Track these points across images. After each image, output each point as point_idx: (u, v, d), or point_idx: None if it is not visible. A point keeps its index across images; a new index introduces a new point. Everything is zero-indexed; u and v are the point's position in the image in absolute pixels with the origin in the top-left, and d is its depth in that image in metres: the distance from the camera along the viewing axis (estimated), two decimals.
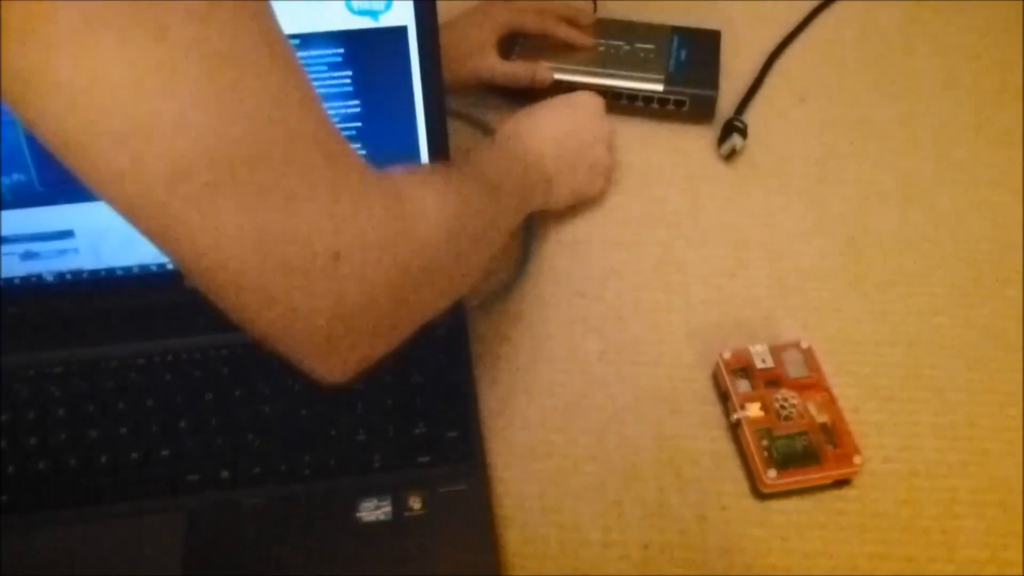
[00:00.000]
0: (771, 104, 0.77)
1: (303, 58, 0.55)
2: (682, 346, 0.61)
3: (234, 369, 0.57)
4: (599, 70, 0.75)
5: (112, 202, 0.32)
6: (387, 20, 0.54)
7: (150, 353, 0.58)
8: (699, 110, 0.75)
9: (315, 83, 0.55)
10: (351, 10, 0.54)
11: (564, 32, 0.77)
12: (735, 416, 0.55)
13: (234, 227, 0.32)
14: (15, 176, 0.55)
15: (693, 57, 0.77)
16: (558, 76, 0.75)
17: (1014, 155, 0.73)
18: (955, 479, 0.54)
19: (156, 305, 0.59)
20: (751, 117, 0.75)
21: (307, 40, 0.54)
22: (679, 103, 0.75)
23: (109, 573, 0.49)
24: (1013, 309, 0.63)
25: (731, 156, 0.72)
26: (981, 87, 0.78)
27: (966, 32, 0.84)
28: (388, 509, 0.51)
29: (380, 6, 0.54)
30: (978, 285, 0.64)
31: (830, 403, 0.55)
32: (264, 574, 0.49)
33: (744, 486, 0.54)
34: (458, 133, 0.74)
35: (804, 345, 0.58)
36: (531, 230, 0.67)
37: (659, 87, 0.74)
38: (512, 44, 0.78)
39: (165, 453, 0.54)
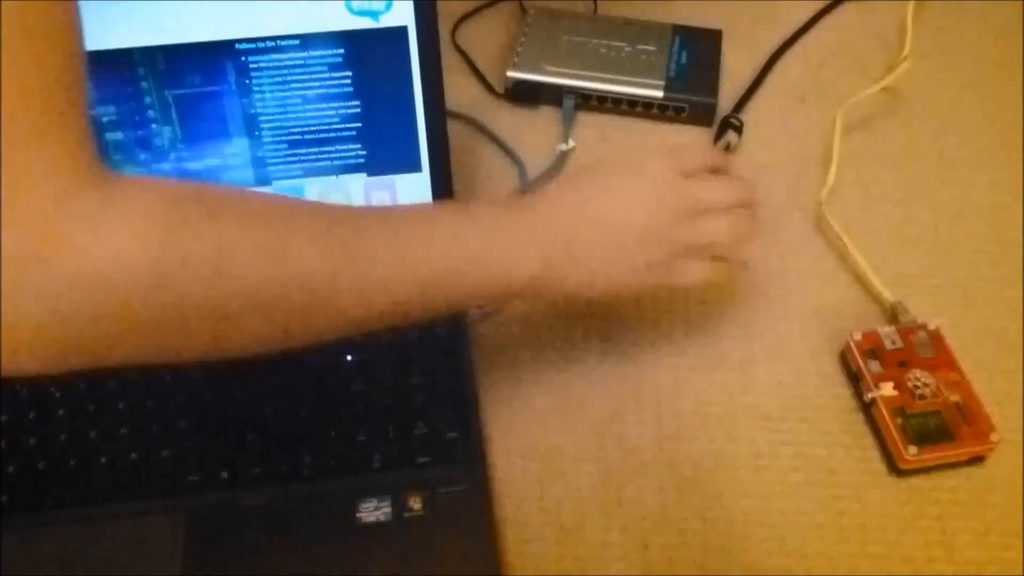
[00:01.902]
0: (770, 104, 0.77)
1: (304, 59, 0.55)
2: (683, 345, 0.61)
3: (234, 369, 0.57)
4: (599, 75, 0.75)
5: None
6: (387, 20, 0.54)
7: None
8: (698, 115, 0.75)
9: (315, 84, 0.56)
10: (351, 10, 0.54)
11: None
12: (869, 395, 0.56)
13: None
14: None
15: (694, 59, 0.77)
16: (557, 81, 0.75)
17: (1014, 155, 0.73)
18: (955, 480, 0.54)
19: None
20: (750, 116, 0.75)
21: (307, 40, 0.54)
22: (678, 109, 0.75)
23: (109, 573, 0.49)
24: (1013, 309, 0.63)
25: (726, 152, 0.72)
26: (982, 87, 0.78)
27: (967, 33, 0.84)
28: (388, 509, 0.51)
29: (380, 6, 0.54)
30: (978, 285, 0.64)
31: (961, 382, 0.56)
32: (264, 574, 0.49)
33: (744, 486, 0.54)
34: (458, 133, 0.74)
35: (932, 327, 0.59)
36: None
37: (659, 93, 0.74)
38: (512, 44, 0.78)
39: (165, 453, 0.54)
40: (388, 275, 0.43)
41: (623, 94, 0.75)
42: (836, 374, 0.59)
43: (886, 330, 0.58)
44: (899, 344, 0.58)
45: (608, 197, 0.50)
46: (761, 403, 0.58)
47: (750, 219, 0.54)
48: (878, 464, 0.55)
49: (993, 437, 0.54)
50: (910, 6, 0.80)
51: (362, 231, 0.42)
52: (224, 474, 0.53)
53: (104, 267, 0.33)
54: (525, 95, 0.76)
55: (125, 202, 0.34)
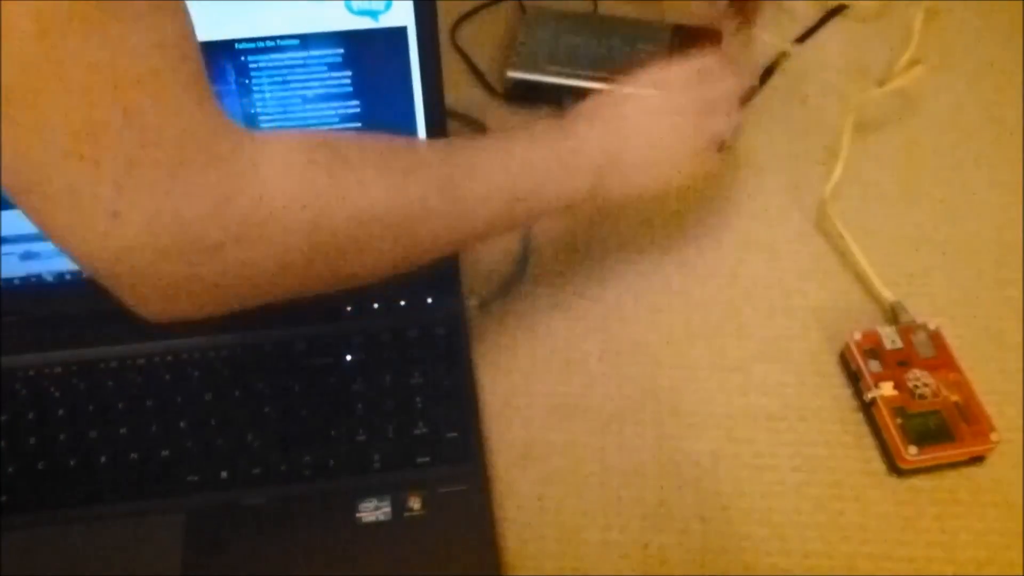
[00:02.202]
0: (771, 104, 0.77)
1: (304, 59, 0.55)
2: (683, 346, 0.61)
3: (234, 369, 0.57)
4: (598, 74, 0.75)
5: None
6: (387, 20, 0.54)
7: (150, 353, 0.58)
8: None
9: (315, 84, 0.56)
10: (351, 10, 0.54)
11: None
12: (869, 395, 0.56)
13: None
14: None
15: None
16: (556, 80, 0.75)
17: (1015, 155, 0.73)
18: (955, 480, 0.54)
19: None
20: (750, 116, 0.75)
21: (307, 40, 0.54)
22: None
23: (109, 573, 0.49)
24: (1013, 309, 0.63)
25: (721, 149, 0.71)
26: (982, 88, 0.78)
27: (967, 33, 0.84)
28: (388, 509, 0.51)
29: (380, 6, 0.54)
30: (978, 285, 0.64)
31: (961, 382, 0.56)
32: (264, 574, 0.49)
33: (744, 486, 0.54)
34: (457, 133, 0.74)
35: (932, 327, 0.59)
36: (530, 230, 0.67)
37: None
38: (512, 44, 0.78)
39: (165, 453, 0.54)
40: (484, 199, 0.50)
41: None
42: (836, 374, 0.59)
43: (886, 330, 0.58)
44: (899, 344, 0.58)
45: (643, 109, 0.58)
46: (761, 403, 0.58)
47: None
48: (878, 464, 0.55)
49: (993, 437, 0.54)
50: (921, 6, 0.79)
51: (463, 165, 0.49)
52: (224, 474, 0.53)
53: (275, 211, 0.39)
54: (524, 95, 0.76)
55: (272, 155, 0.40)
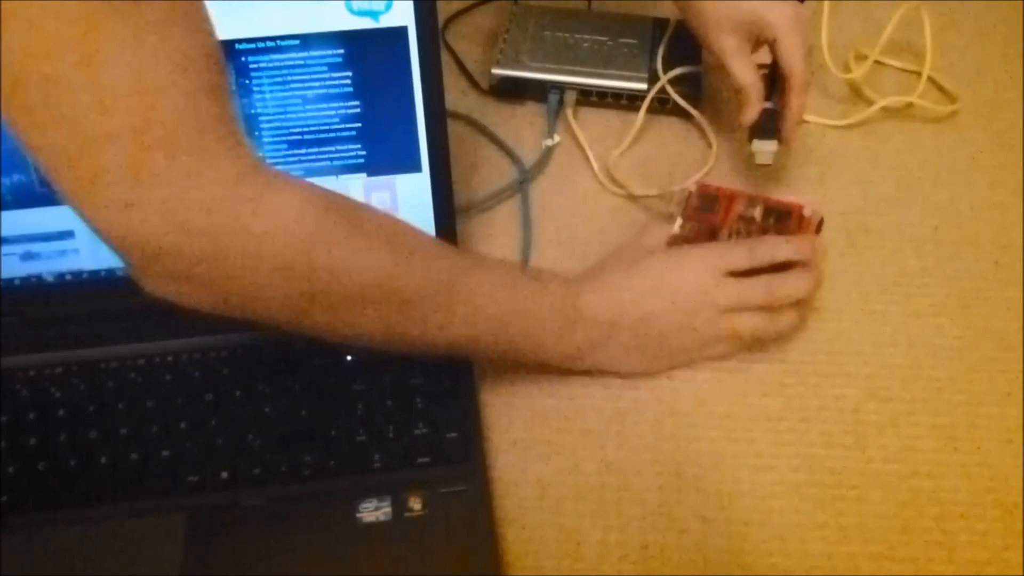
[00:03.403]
0: None
1: (304, 59, 0.55)
2: None
3: (234, 369, 0.57)
4: (583, 69, 0.76)
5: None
6: (387, 21, 0.54)
7: (150, 353, 0.58)
8: (682, 107, 0.75)
9: (315, 84, 0.56)
10: (351, 11, 0.54)
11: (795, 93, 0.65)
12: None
13: None
14: (15, 176, 0.55)
15: (676, 52, 0.77)
16: (541, 76, 0.75)
17: (1014, 155, 0.73)
18: (955, 480, 0.54)
19: (156, 305, 0.59)
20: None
21: (307, 40, 0.54)
22: (663, 101, 0.75)
23: (109, 573, 0.49)
24: (1013, 309, 0.63)
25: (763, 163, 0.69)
26: (982, 87, 0.78)
27: (967, 33, 0.84)
28: (388, 509, 0.51)
29: (380, 7, 0.54)
30: (978, 285, 0.64)
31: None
32: (264, 574, 0.49)
33: (744, 486, 0.54)
34: (458, 134, 0.74)
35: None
36: (530, 230, 0.67)
37: (643, 86, 0.75)
38: (495, 39, 0.78)
39: (165, 453, 0.54)
40: (470, 318, 0.50)
41: (607, 88, 0.75)
42: (837, 374, 0.59)
43: None
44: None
45: (648, 297, 0.56)
46: (761, 403, 0.58)
47: (800, 280, 0.57)
48: (878, 464, 0.55)
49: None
50: (924, 6, 0.80)
51: (465, 278, 0.50)
52: (224, 474, 0.53)
53: (279, 247, 0.42)
54: (510, 91, 0.76)
55: (284, 190, 0.43)
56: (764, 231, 0.59)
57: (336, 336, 0.48)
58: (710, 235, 0.59)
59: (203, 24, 0.39)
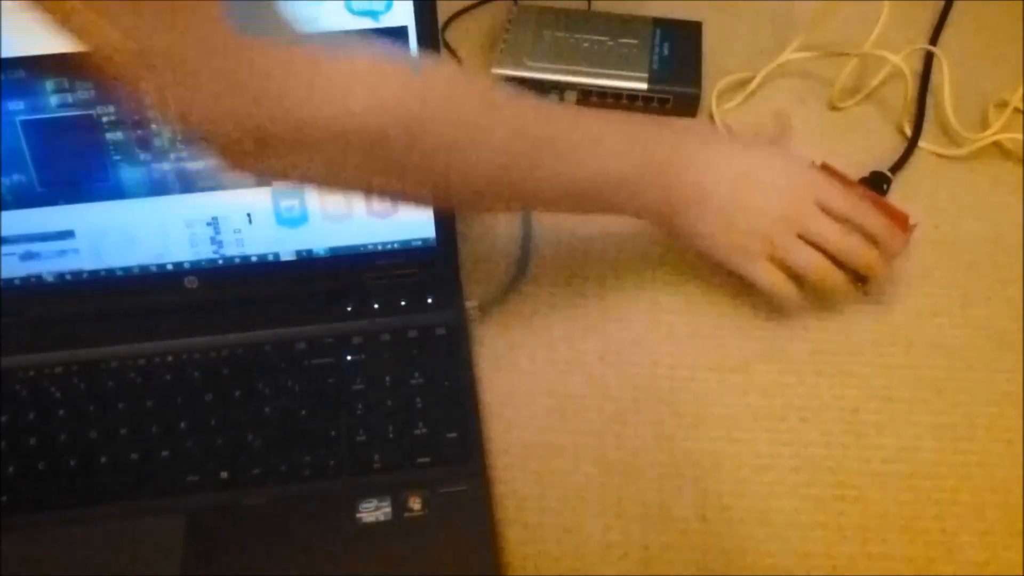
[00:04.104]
0: (772, 105, 0.77)
1: None
2: (683, 346, 0.61)
3: (234, 369, 0.57)
4: (583, 68, 0.76)
5: None
6: (387, 20, 0.54)
7: (150, 353, 0.58)
8: (683, 106, 0.75)
9: None
10: (351, 10, 0.54)
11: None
12: None
13: None
14: (15, 176, 0.55)
15: (676, 51, 0.77)
16: (540, 76, 0.75)
17: (1014, 155, 0.73)
18: (955, 480, 0.54)
19: (156, 305, 0.60)
20: (749, 116, 0.75)
21: None
22: (663, 100, 0.75)
23: (109, 573, 0.49)
24: (1013, 309, 0.63)
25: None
26: (982, 87, 0.78)
27: (966, 32, 0.84)
28: (388, 509, 0.51)
29: (380, 6, 0.54)
30: (978, 285, 0.64)
31: None
32: (264, 574, 0.49)
33: (744, 486, 0.54)
34: None
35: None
36: (530, 230, 0.67)
37: (643, 85, 0.75)
38: (495, 39, 0.78)
39: (165, 453, 0.54)
40: (570, 166, 0.51)
41: (607, 87, 0.75)
42: (837, 374, 0.59)
43: None
44: None
45: (745, 186, 0.56)
46: (761, 403, 0.58)
47: (876, 257, 0.58)
48: (878, 464, 0.55)
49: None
50: (909, 6, 0.80)
51: (556, 127, 0.50)
52: (224, 474, 0.53)
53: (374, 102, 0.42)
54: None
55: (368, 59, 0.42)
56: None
57: (403, 184, 0.47)
58: None
59: None
